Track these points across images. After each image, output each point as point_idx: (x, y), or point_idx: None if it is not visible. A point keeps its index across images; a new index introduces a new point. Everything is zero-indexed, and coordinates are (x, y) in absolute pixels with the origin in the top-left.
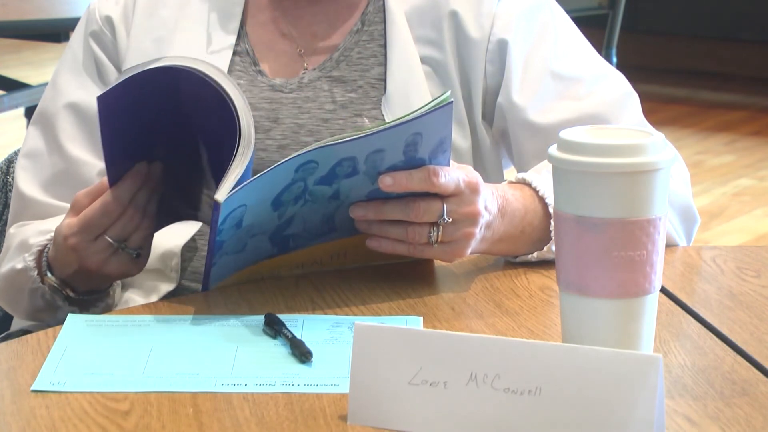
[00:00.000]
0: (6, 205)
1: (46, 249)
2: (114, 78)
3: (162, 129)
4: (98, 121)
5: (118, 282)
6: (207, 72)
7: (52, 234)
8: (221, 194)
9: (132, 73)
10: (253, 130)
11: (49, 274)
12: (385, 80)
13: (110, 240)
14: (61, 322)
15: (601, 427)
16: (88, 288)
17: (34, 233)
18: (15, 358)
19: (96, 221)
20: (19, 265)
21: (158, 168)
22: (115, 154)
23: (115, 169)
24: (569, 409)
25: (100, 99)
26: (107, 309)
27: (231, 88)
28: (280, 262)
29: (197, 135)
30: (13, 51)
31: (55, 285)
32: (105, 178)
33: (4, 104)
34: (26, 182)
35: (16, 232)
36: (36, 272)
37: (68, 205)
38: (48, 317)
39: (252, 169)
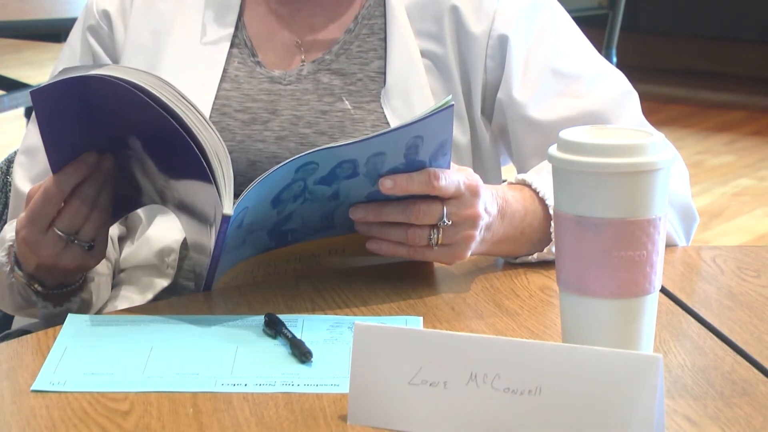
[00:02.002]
0: (6, 205)
1: (14, 244)
2: None
3: (101, 127)
4: (33, 113)
5: (92, 277)
6: (144, 83)
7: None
8: (227, 208)
9: (69, 75)
10: (217, 139)
11: (17, 269)
12: (384, 73)
13: (59, 232)
14: (52, 321)
15: (601, 427)
16: (55, 282)
17: (10, 228)
18: (15, 358)
19: (40, 211)
20: None
21: (108, 159)
22: (55, 144)
23: (57, 158)
24: (569, 409)
25: (34, 93)
26: (85, 304)
27: (178, 103)
28: (278, 255)
29: (138, 137)
30: (13, 51)
31: (23, 280)
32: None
33: (4, 104)
34: (22, 179)
35: (8, 228)
36: (8, 267)
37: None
38: (31, 313)
39: (249, 160)
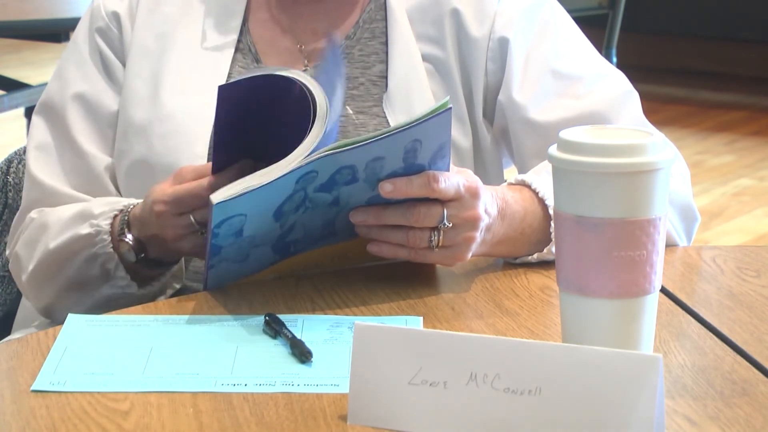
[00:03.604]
0: (6, 205)
1: (123, 213)
2: (120, 73)
3: (269, 132)
4: (215, 110)
5: (182, 266)
6: (312, 89)
7: (124, 203)
8: (216, 196)
9: (256, 73)
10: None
11: (126, 233)
12: (386, 78)
13: (193, 221)
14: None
15: (601, 427)
16: (158, 255)
17: (98, 204)
18: (15, 358)
19: (186, 200)
20: (85, 231)
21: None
22: (224, 143)
23: (221, 158)
24: (569, 409)
25: (221, 88)
26: (161, 292)
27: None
28: (281, 267)
29: (291, 144)
30: (13, 51)
31: (130, 243)
32: (210, 163)
33: (4, 104)
34: (44, 173)
35: (45, 212)
36: (108, 236)
37: (88, 197)
38: (83, 295)
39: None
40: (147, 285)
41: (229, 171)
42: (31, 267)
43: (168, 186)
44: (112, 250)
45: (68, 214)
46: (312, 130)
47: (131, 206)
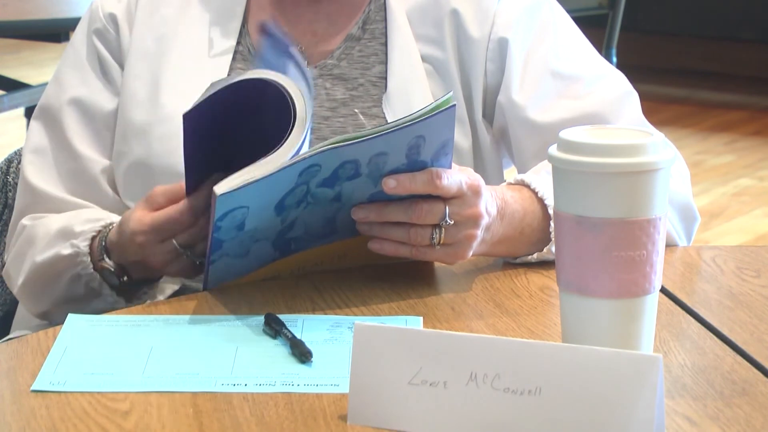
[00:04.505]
0: (6, 205)
1: (101, 235)
2: (117, 75)
3: (240, 139)
4: (182, 136)
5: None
6: (281, 82)
7: (103, 222)
8: (220, 188)
9: (218, 88)
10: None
11: (106, 259)
12: (386, 78)
13: (176, 245)
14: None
15: (601, 427)
16: (142, 276)
17: (79, 221)
18: (15, 358)
19: (167, 226)
20: (66, 251)
21: None
22: (194, 165)
23: (193, 178)
24: (569, 409)
25: (186, 117)
26: (154, 297)
27: (298, 98)
28: (281, 265)
29: (271, 144)
30: (13, 51)
31: (111, 269)
32: (182, 183)
33: (4, 104)
34: (38, 177)
35: (34, 223)
36: (88, 258)
37: (82, 201)
38: (76, 307)
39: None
40: (135, 299)
41: (203, 190)
42: (20, 281)
43: (143, 213)
44: (93, 271)
45: (54, 229)
46: (293, 131)
47: (110, 227)
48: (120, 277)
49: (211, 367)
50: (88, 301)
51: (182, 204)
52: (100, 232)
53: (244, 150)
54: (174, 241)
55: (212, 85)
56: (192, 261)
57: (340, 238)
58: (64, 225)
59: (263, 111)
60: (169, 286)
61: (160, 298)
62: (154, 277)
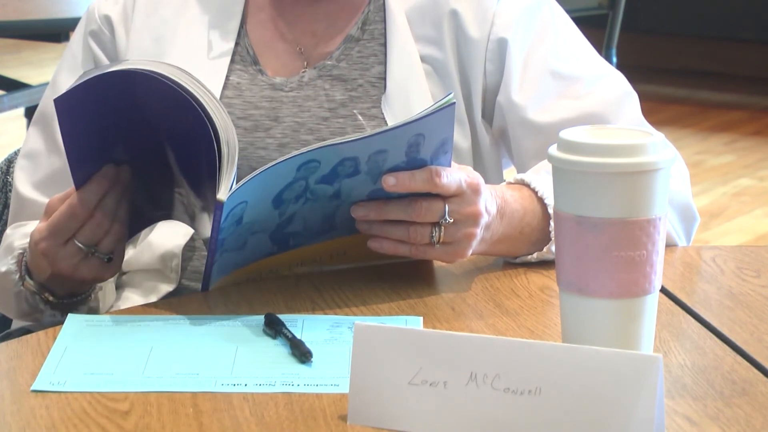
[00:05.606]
0: (6, 205)
1: (24, 254)
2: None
3: (124, 131)
4: (58, 126)
5: (100, 285)
6: (167, 74)
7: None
8: (222, 193)
9: (89, 76)
10: (230, 125)
11: (28, 278)
12: (385, 79)
13: (80, 245)
14: (58, 322)
15: (601, 427)
16: (66, 292)
17: (19, 236)
18: (15, 358)
19: (63, 225)
20: (3, 268)
21: (126, 171)
22: (79, 156)
23: (81, 172)
24: (569, 409)
25: (57, 101)
26: (92, 311)
27: (195, 88)
28: (280, 261)
29: (161, 136)
30: (13, 51)
31: (34, 289)
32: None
33: (4, 104)
34: (23, 182)
35: (11, 233)
36: (17, 276)
37: None
38: (35, 318)
39: (252, 168)
40: (73, 310)
41: (93, 181)
42: None
43: (42, 223)
44: (24, 288)
45: (5, 244)
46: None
47: (24, 251)
48: (41, 295)
49: (211, 367)
50: (39, 315)
51: (72, 198)
52: (25, 249)
53: (133, 142)
54: (76, 242)
55: (85, 73)
56: (101, 260)
57: (339, 235)
58: (11, 241)
59: (150, 103)
60: (163, 287)
61: (153, 298)
62: (79, 291)
